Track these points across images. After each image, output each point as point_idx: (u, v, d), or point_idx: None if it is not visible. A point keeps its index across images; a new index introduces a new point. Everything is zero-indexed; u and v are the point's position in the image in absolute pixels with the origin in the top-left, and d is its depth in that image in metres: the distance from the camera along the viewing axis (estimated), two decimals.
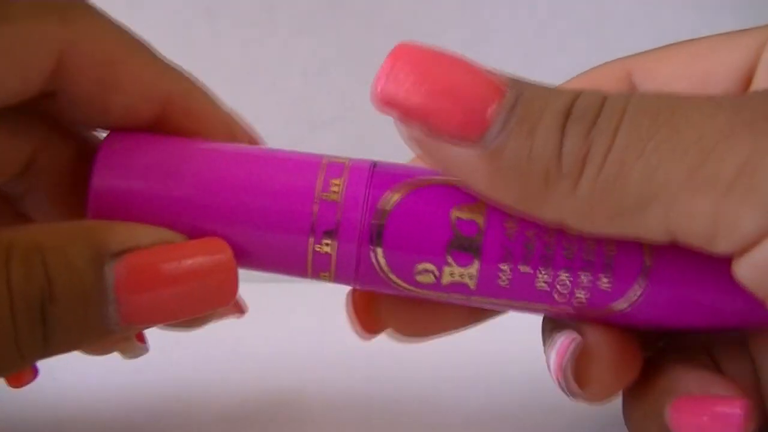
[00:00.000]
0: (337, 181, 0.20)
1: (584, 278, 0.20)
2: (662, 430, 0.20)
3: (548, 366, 0.21)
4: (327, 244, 0.20)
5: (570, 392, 0.20)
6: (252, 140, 0.23)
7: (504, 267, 0.20)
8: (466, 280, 0.20)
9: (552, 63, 0.41)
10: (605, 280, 0.20)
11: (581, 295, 0.20)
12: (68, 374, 0.27)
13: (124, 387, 0.27)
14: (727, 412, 0.19)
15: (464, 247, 0.20)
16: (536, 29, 0.41)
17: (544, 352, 0.21)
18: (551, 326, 0.22)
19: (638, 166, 0.17)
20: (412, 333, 0.23)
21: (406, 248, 0.20)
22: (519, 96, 0.18)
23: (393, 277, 0.20)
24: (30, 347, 0.17)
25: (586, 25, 0.41)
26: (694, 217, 0.17)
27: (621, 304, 0.20)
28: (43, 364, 0.26)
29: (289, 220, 0.20)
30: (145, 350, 0.24)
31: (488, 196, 0.19)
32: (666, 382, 0.20)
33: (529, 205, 0.18)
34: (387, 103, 0.18)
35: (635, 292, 0.20)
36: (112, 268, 0.18)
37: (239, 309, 0.25)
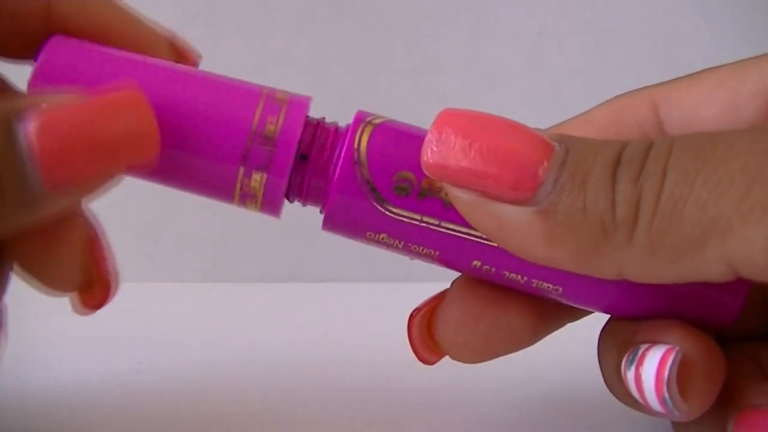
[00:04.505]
0: (273, 118, 0.20)
1: None
2: None
3: (633, 385, 0.19)
4: (257, 178, 0.20)
5: (674, 408, 0.19)
6: (189, 57, 0.22)
7: None
8: (442, 196, 0.20)
9: (552, 63, 0.41)
10: None
11: None
12: (69, 374, 0.27)
13: (124, 386, 0.27)
14: None
15: None
16: (536, 29, 0.41)
17: (613, 368, 0.20)
18: (623, 340, 0.20)
19: (690, 203, 0.17)
20: (470, 358, 0.22)
21: (387, 157, 0.20)
22: (568, 150, 0.18)
23: (371, 183, 0.20)
24: None
25: (586, 25, 0.41)
26: (749, 247, 0.17)
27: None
28: (42, 364, 0.26)
29: (222, 149, 0.20)
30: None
31: (543, 260, 0.19)
32: (728, 393, 0.20)
33: (586, 261, 0.18)
34: (439, 170, 0.18)
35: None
36: (22, 125, 0.17)
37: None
